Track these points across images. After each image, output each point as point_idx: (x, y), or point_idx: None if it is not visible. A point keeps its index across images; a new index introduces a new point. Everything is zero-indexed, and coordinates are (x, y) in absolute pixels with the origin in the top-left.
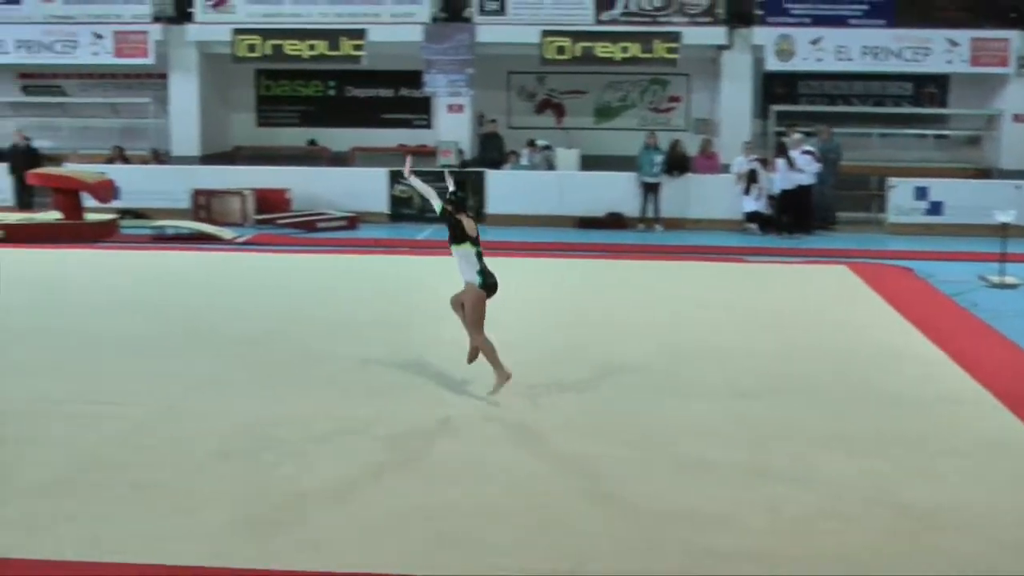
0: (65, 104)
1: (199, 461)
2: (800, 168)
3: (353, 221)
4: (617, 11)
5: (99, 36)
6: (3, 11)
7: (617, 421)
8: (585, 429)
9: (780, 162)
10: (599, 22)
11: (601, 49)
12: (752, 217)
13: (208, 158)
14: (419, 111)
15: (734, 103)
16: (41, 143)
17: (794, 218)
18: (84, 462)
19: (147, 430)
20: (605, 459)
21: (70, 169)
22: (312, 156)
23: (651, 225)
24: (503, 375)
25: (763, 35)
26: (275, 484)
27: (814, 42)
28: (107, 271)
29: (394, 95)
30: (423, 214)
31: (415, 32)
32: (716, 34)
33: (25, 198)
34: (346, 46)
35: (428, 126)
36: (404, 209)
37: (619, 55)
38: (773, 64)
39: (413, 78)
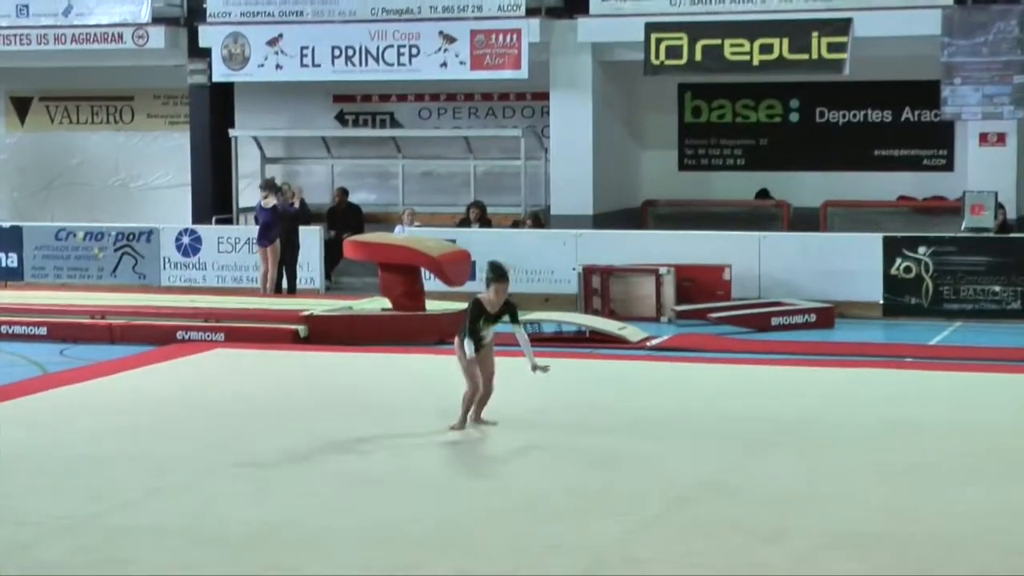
0: (399, 140)
1: None
2: None
3: (827, 316)
4: None
5: (449, 38)
6: (316, 3)
7: None
8: None
9: None
10: None
11: None
12: None
13: (605, 218)
14: (933, 144)
15: None
16: (363, 197)
17: None
18: None
19: None
20: None
21: (405, 236)
22: (763, 215)
23: None
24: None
25: None
26: None
27: None
28: (454, 386)
29: (893, 121)
30: (938, 306)
31: (928, 20)
32: None
33: (333, 276)
34: (820, 46)
35: (949, 167)
36: (906, 297)
37: None
38: None
39: (924, 93)
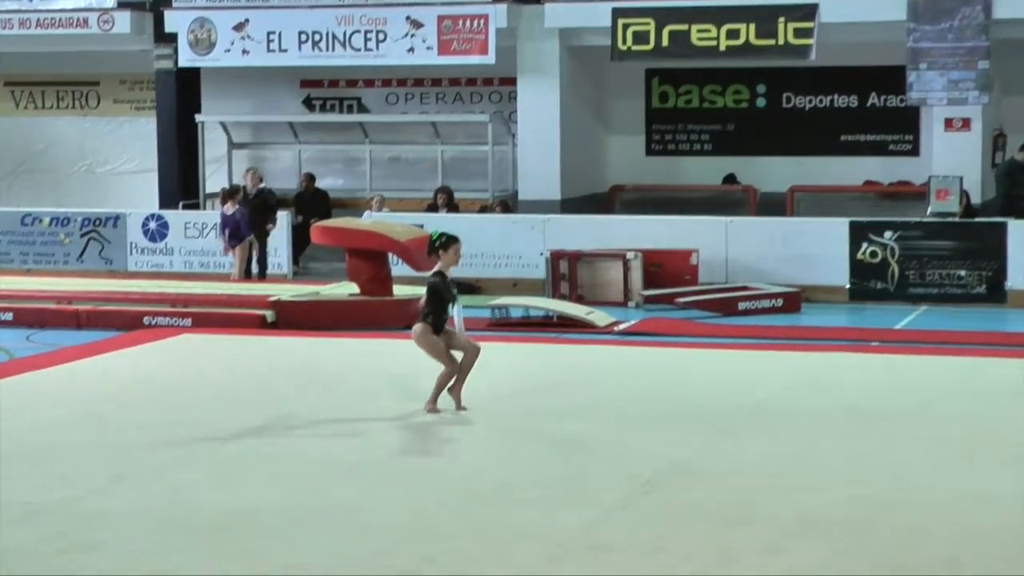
0: (367, 125)
1: None
2: None
3: (793, 300)
4: None
5: (416, 24)
6: None
7: None
8: None
9: None
10: None
11: None
12: None
13: (572, 203)
14: (899, 129)
15: None
16: (330, 182)
17: None
18: None
19: None
20: None
21: (372, 221)
22: (730, 200)
23: None
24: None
25: None
26: None
27: None
28: (420, 371)
29: (859, 106)
30: (903, 290)
31: (894, 6)
32: None
33: (301, 262)
34: (786, 31)
35: (914, 152)
36: (872, 281)
37: None
38: None
39: (890, 78)
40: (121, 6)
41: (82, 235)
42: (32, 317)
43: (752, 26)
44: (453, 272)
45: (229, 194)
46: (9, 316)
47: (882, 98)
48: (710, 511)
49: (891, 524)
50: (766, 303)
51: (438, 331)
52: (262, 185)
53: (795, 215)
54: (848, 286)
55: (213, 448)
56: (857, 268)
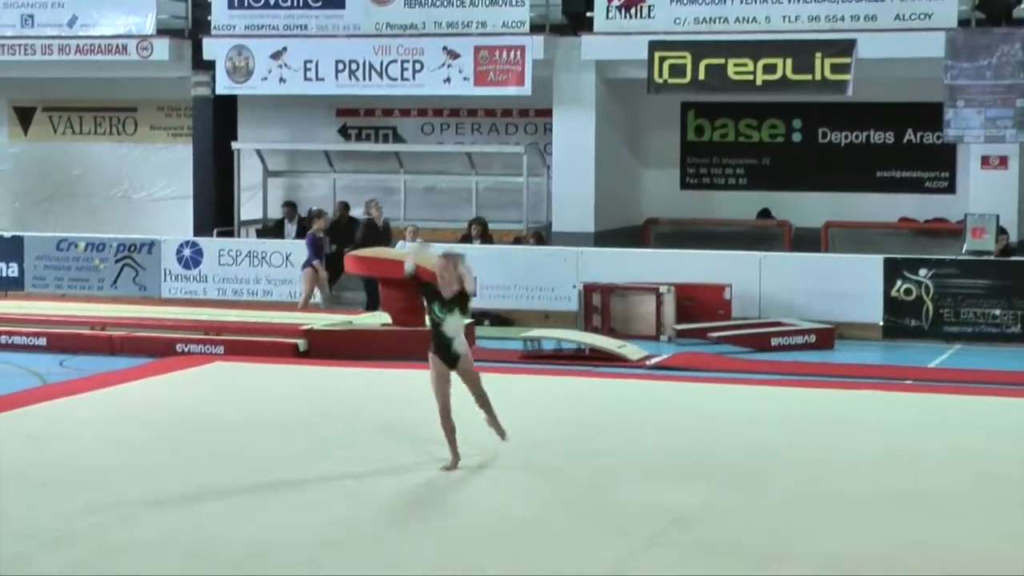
0: (402, 155)
1: None
2: None
3: (827, 337)
4: None
5: (453, 54)
6: (321, 18)
7: None
8: None
9: None
10: None
11: None
12: None
13: (606, 236)
14: (936, 167)
15: None
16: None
17: None
18: None
19: None
20: None
21: (406, 251)
22: (764, 235)
23: None
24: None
25: None
26: None
27: None
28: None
29: (895, 142)
30: (938, 328)
31: (932, 42)
32: None
33: (333, 290)
34: (823, 66)
35: (950, 190)
36: (906, 319)
37: None
38: None
39: (927, 115)
40: (160, 33)
41: (116, 261)
42: (65, 342)
43: (789, 61)
44: (483, 304)
45: (317, 215)
46: (43, 341)
47: (919, 135)
48: (743, 549)
49: (925, 564)
50: (799, 339)
51: (437, 347)
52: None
53: (830, 251)
54: (882, 323)
55: (242, 477)
56: (891, 305)
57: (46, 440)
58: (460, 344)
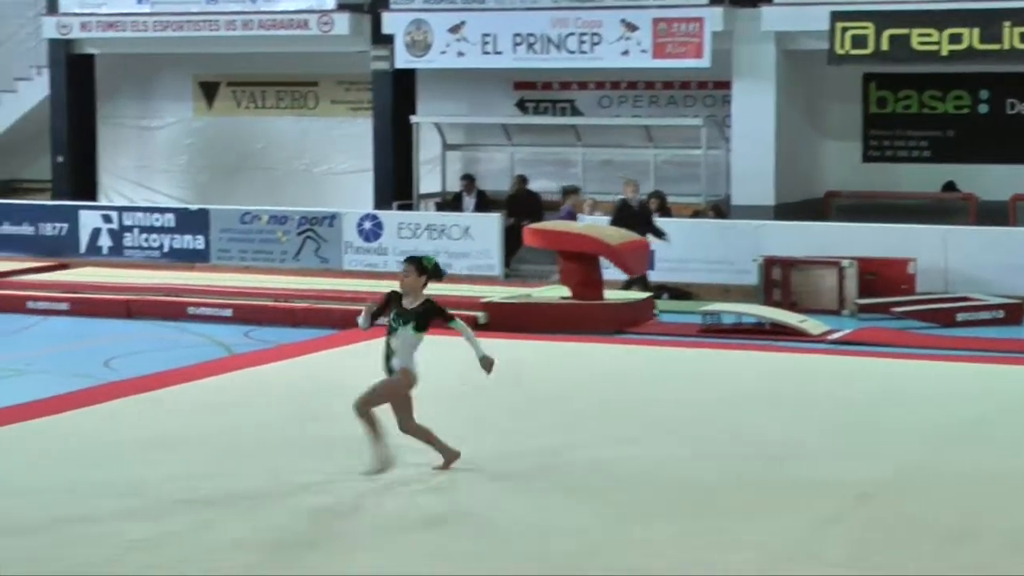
0: (579, 128)
1: None
2: None
3: (1015, 312)
4: None
5: (631, 27)
6: None
7: None
8: None
9: None
10: None
11: None
12: None
13: (787, 209)
14: None
15: None
16: (543, 184)
17: None
18: None
19: None
20: None
21: (584, 224)
22: (950, 208)
23: None
24: (452, 454)
25: None
26: None
27: None
28: (636, 377)
29: None
30: None
31: None
32: None
33: (511, 263)
34: (1012, 35)
35: None
36: None
37: None
38: None
39: None
40: (340, 8)
41: (299, 233)
42: (249, 314)
43: (976, 31)
44: (661, 277)
45: (572, 191)
46: (228, 312)
47: None
48: (929, 525)
49: None
50: (986, 314)
51: (387, 357)
52: (641, 196)
53: (1017, 224)
54: None
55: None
56: None
57: (231, 408)
58: (399, 362)
